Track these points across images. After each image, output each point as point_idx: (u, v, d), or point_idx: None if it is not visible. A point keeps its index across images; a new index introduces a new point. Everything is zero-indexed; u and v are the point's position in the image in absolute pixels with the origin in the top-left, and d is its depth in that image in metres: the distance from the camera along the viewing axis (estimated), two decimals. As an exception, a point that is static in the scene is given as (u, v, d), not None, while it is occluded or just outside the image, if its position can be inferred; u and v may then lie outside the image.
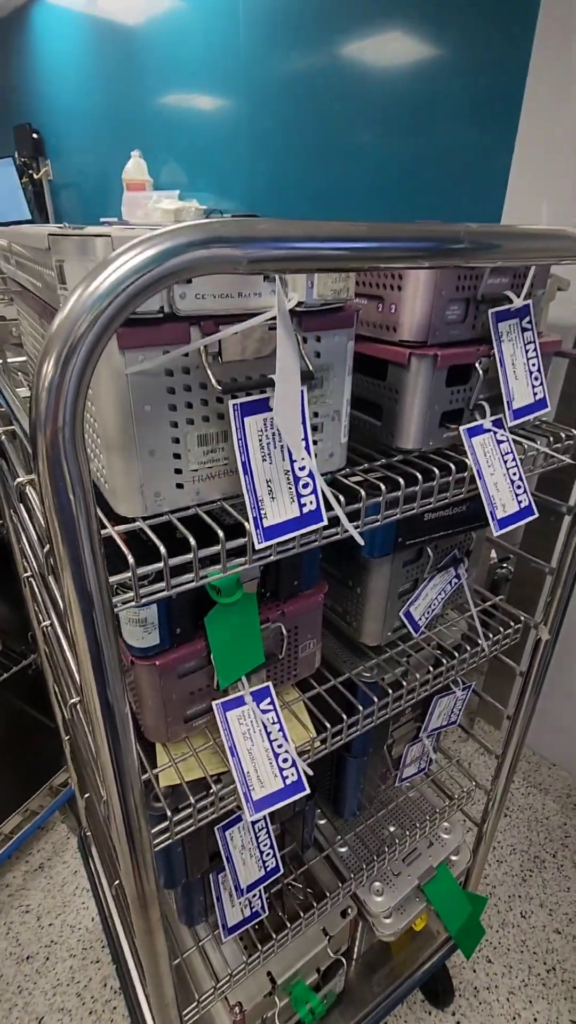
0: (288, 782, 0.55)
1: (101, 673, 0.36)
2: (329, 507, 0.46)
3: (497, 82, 1.22)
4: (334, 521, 0.47)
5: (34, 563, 0.82)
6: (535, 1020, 1.10)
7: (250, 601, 0.54)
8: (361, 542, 0.47)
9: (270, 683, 0.59)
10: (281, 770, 0.56)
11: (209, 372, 0.39)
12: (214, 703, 0.56)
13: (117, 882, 0.80)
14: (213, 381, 0.39)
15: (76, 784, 1.15)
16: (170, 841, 0.52)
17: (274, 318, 0.39)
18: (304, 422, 0.42)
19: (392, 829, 0.92)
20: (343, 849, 0.88)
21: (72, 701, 0.63)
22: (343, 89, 1.54)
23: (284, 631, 0.59)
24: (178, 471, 0.43)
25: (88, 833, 1.26)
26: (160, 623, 0.50)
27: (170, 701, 0.55)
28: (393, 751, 0.86)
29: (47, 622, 0.80)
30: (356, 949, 0.98)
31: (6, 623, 1.25)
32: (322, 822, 0.91)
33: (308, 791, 0.55)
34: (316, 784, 0.79)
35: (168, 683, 0.53)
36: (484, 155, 1.29)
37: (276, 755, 0.56)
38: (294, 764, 0.56)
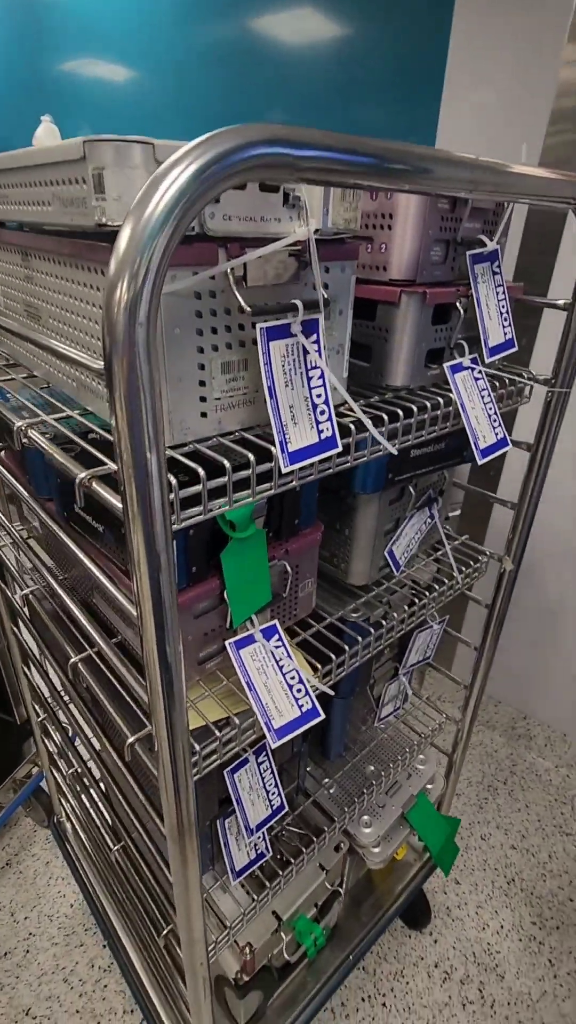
0: (304, 710, 0.58)
1: (159, 593, 0.36)
2: (343, 435, 0.48)
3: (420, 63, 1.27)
4: (344, 451, 0.50)
5: (14, 531, 0.78)
6: (502, 926, 1.21)
7: (260, 538, 0.55)
8: (393, 451, 0.50)
9: (276, 621, 0.61)
10: (296, 699, 0.58)
11: (237, 293, 0.40)
12: (227, 643, 0.57)
13: (120, 845, 0.79)
14: (243, 303, 0.40)
15: (48, 763, 1.12)
16: (199, 776, 0.53)
17: (295, 243, 0.41)
18: (319, 343, 0.44)
19: (372, 768, 0.97)
20: (331, 791, 0.92)
21: (75, 659, 0.62)
22: (262, 58, 1.54)
23: (288, 569, 0.61)
24: (202, 399, 0.43)
25: (61, 819, 1.22)
26: (179, 561, 0.51)
27: (186, 642, 0.55)
28: (374, 690, 0.91)
29: (29, 588, 0.76)
30: (344, 884, 1.03)
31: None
32: (308, 768, 0.95)
33: (323, 716, 0.58)
34: (308, 732, 0.82)
35: (185, 622, 0.54)
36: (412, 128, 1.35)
37: (290, 686, 0.58)
38: (307, 693, 0.58)
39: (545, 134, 1.15)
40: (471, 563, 0.82)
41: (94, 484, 0.39)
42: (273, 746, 0.54)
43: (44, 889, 1.25)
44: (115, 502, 0.37)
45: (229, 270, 0.40)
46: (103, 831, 0.87)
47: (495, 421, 0.63)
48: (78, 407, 0.52)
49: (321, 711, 0.58)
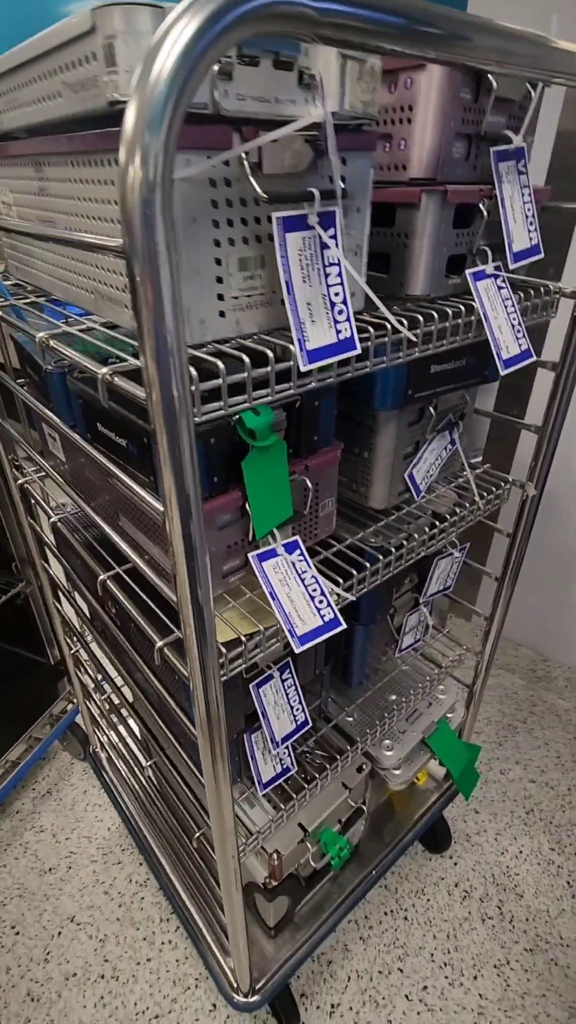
0: (326, 619, 0.59)
1: (183, 485, 0.37)
2: (362, 337, 0.48)
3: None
4: (363, 355, 0.49)
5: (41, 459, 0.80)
6: (520, 851, 1.25)
7: (280, 449, 0.55)
8: (413, 338, 0.49)
9: (297, 537, 0.62)
10: (318, 609, 0.59)
11: (252, 181, 0.39)
12: (250, 555, 0.58)
13: (151, 761, 0.84)
14: (259, 189, 0.39)
15: (82, 695, 1.17)
16: (225, 676, 0.55)
17: (311, 128, 0.40)
18: (337, 237, 0.43)
19: (393, 697, 1.00)
20: (354, 717, 0.95)
21: (103, 576, 0.64)
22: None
23: (309, 484, 0.61)
24: (220, 297, 0.43)
25: (96, 749, 1.29)
26: (201, 470, 0.51)
27: (211, 555, 0.56)
28: (395, 620, 0.92)
29: (57, 516, 0.79)
30: (367, 806, 1.07)
31: (-15, 557, 1.21)
32: (331, 696, 0.98)
33: (344, 626, 0.59)
34: (331, 655, 0.84)
35: (209, 534, 0.55)
36: None
37: (312, 597, 0.59)
38: (329, 604, 0.60)
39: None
40: (493, 490, 0.82)
41: (116, 379, 0.40)
42: (297, 651, 0.56)
43: (82, 814, 1.32)
44: (138, 392, 0.38)
45: (244, 155, 0.39)
46: (136, 751, 0.92)
47: (519, 332, 0.61)
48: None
49: (343, 621, 0.60)
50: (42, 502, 0.84)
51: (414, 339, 0.49)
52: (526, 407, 1.44)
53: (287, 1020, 0.97)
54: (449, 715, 1.05)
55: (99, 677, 0.98)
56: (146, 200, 0.28)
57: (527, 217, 0.59)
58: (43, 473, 0.80)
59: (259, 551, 0.59)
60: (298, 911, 0.98)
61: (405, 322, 0.51)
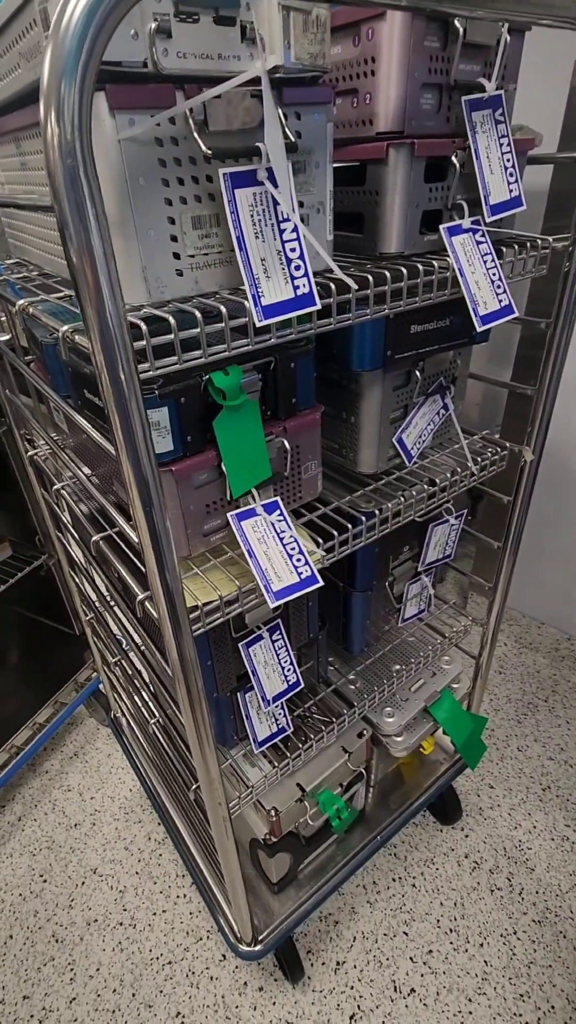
0: (303, 576, 0.61)
1: (131, 438, 0.39)
2: (322, 295, 0.48)
3: None
4: (326, 313, 0.50)
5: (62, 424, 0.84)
6: (534, 827, 1.24)
7: (253, 408, 0.57)
8: (353, 285, 0.49)
9: (278, 498, 0.63)
10: (296, 567, 0.61)
11: (198, 138, 0.40)
12: (229, 514, 0.60)
13: (155, 720, 0.88)
14: (203, 146, 0.40)
15: (101, 663, 1.23)
16: (202, 630, 0.57)
17: (255, 83, 0.40)
18: (291, 193, 0.44)
19: (397, 667, 1.01)
20: (356, 685, 0.96)
21: (96, 537, 0.67)
22: None
23: (287, 446, 0.63)
24: (176, 256, 0.45)
25: (117, 715, 1.35)
26: (172, 429, 0.54)
27: (189, 512, 0.59)
28: (395, 588, 0.92)
29: (62, 483, 0.83)
30: (373, 775, 1.09)
31: (12, 531, 1.28)
32: (332, 661, 0.99)
33: (321, 583, 0.61)
34: (325, 620, 0.86)
35: (186, 492, 0.57)
36: None
37: (290, 556, 0.61)
38: (307, 562, 0.61)
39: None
40: (489, 455, 0.81)
41: (76, 337, 0.42)
42: (271, 605, 0.58)
43: (107, 775, 1.39)
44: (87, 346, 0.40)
45: (188, 112, 0.40)
46: (145, 713, 0.96)
47: (499, 287, 0.60)
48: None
49: (319, 578, 0.61)
50: (51, 475, 0.88)
51: (354, 287, 0.49)
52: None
53: (291, 972, 1.01)
54: (455, 686, 1.05)
55: (113, 644, 1.03)
56: (68, 154, 0.30)
57: (506, 168, 0.58)
58: (50, 448, 0.84)
59: (238, 510, 0.61)
60: (302, 870, 1.01)
61: (370, 279, 0.51)
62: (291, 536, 0.62)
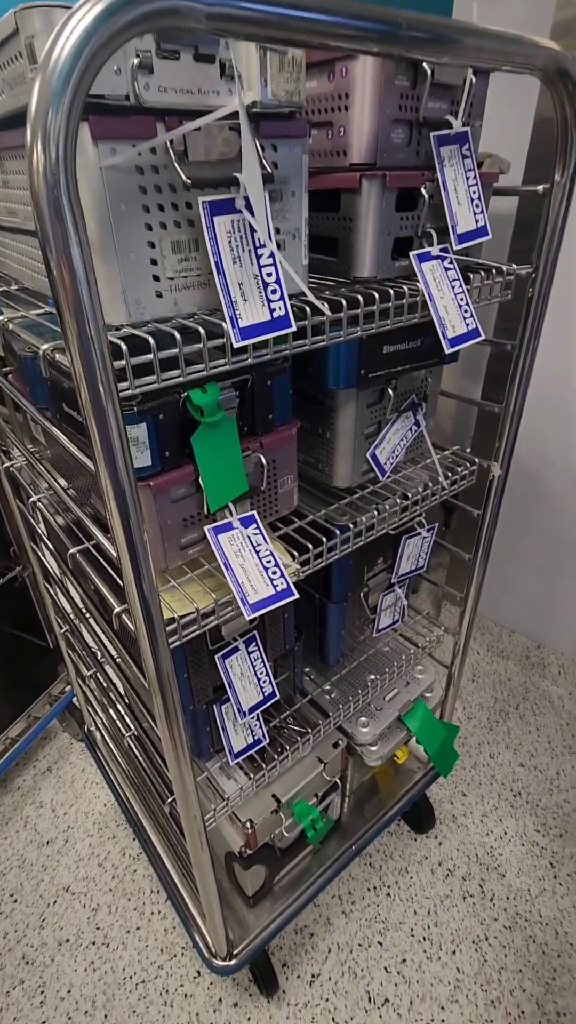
0: (279, 589, 0.62)
1: (111, 454, 0.40)
2: (298, 317, 0.50)
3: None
4: (301, 334, 0.52)
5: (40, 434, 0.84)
6: (505, 833, 1.27)
7: (230, 425, 0.58)
8: (326, 311, 0.51)
9: (255, 512, 0.64)
10: (272, 580, 0.62)
11: (178, 167, 0.42)
12: (206, 528, 0.61)
13: (131, 733, 0.87)
14: (182, 175, 0.42)
15: (75, 675, 1.21)
16: (178, 643, 0.58)
17: (234, 117, 0.42)
18: (268, 221, 0.45)
19: (372, 677, 1.02)
20: (332, 696, 0.97)
21: (73, 550, 0.67)
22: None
23: (264, 461, 0.64)
24: (156, 278, 0.46)
25: (91, 728, 1.34)
26: (151, 444, 0.55)
27: (166, 526, 0.60)
28: (369, 599, 0.94)
29: (38, 496, 0.83)
30: (348, 785, 1.10)
31: (-16, 543, 1.26)
32: (308, 671, 1.01)
33: (296, 596, 0.62)
34: (301, 630, 0.87)
35: (163, 506, 0.58)
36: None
37: (266, 568, 0.62)
38: (283, 575, 0.62)
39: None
40: (458, 470, 0.84)
41: (57, 355, 0.43)
42: (248, 618, 0.59)
43: (81, 791, 1.37)
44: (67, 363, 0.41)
45: (169, 144, 0.42)
46: (120, 726, 0.96)
47: (466, 312, 0.63)
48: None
49: (295, 591, 0.62)
50: (26, 486, 0.88)
51: (327, 313, 0.51)
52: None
53: (266, 987, 1.00)
54: (427, 695, 1.07)
55: (88, 657, 1.02)
56: (51, 183, 0.31)
57: (472, 200, 0.61)
58: (26, 459, 0.84)
59: (216, 524, 0.62)
60: (277, 882, 1.01)
61: (344, 303, 0.53)
62: (267, 549, 0.63)
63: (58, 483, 0.72)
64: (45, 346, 0.43)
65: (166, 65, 0.40)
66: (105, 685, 0.99)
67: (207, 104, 0.43)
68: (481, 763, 1.42)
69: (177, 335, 0.44)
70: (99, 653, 0.94)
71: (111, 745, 1.20)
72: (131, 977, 1.05)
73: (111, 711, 1.07)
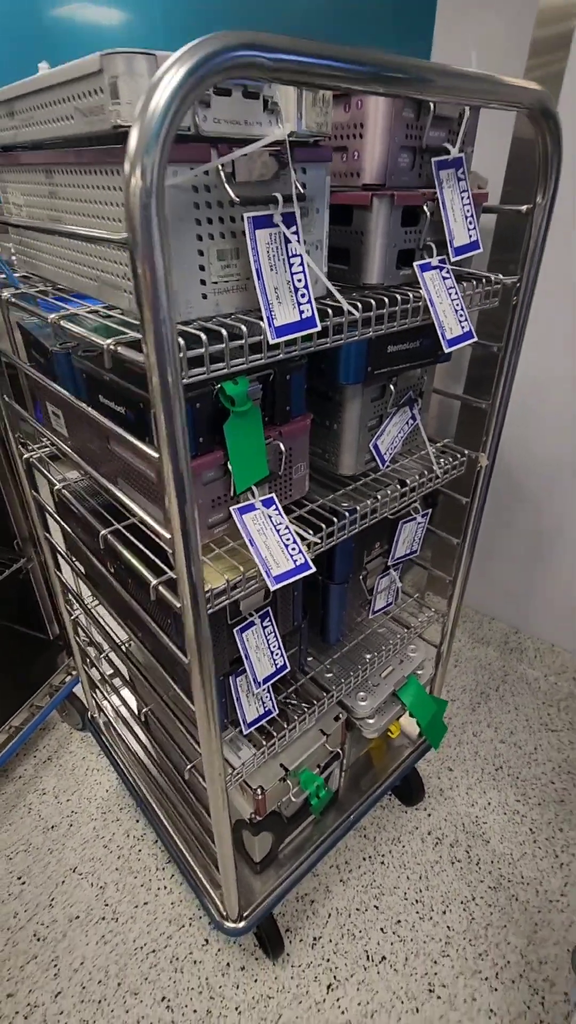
0: (298, 563, 0.69)
1: (174, 439, 0.46)
2: (322, 318, 0.57)
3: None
4: (323, 333, 0.59)
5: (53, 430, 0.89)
6: (489, 803, 1.36)
7: (256, 415, 0.65)
8: (354, 311, 0.58)
9: (273, 495, 0.71)
10: (291, 555, 0.69)
11: (227, 187, 0.49)
12: (232, 508, 0.68)
13: (147, 708, 0.93)
14: (232, 194, 0.48)
15: (81, 661, 1.26)
16: (212, 610, 0.64)
17: (275, 143, 0.49)
18: (298, 232, 0.52)
19: (368, 655, 1.10)
20: (331, 674, 1.04)
21: (104, 532, 0.73)
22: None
23: (282, 448, 0.71)
24: (203, 282, 0.53)
25: (94, 714, 1.38)
26: (189, 431, 0.61)
27: (198, 507, 0.66)
28: (367, 582, 1.02)
29: (62, 483, 0.88)
30: (345, 759, 1.17)
31: (-13, 536, 1.30)
32: (310, 652, 1.07)
33: (314, 569, 0.69)
34: (307, 610, 0.94)
35: (196, 488, 0.64)
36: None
37: (286, 545, 0.69)
38: (301, 551, 0.69)
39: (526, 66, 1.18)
40: (451, 460, 0.92)
41: (120, 349, 0.49)
42: (272, 588, 0.65)
43: (82, 778, 1.41)
44: (138, 358, 0.47)
45: (220, 166, 0.48)
46: (134, 708, 1.01)
47: (461, 316, 0.71)
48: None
49: (312, 565, 0.69)
50: (47, 474, 0.92)
51: (354, 312, 0.58)
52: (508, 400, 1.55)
53: (272, 949, 1.06)
54: (419, 672, 1.15)
55: (99, 639, 1.07)
56: (144, 203, 0.37)
57: (466, 217, 0.69)
58: (47, 448, 0.89)
59: (240, 505, 0.69)
60: (281, 850, 1.07)
61: (360, 306, 0.60)
62: (286, 528, 0.70)
63: (86, 466, 0.77)
64: (109, 340, 0.49)
65: (220, 101, 0.47)
66: (118, 664, 1.03)
67: (250, 133, 0.49)
68: (465, 741, 1.51)
69: (224, 332, 0.50)
70: (115, 635, 0.99)
71: (118, 727, 1.25)
72: (142, 948, 1.10)
73: (119, 698, 1.12)
